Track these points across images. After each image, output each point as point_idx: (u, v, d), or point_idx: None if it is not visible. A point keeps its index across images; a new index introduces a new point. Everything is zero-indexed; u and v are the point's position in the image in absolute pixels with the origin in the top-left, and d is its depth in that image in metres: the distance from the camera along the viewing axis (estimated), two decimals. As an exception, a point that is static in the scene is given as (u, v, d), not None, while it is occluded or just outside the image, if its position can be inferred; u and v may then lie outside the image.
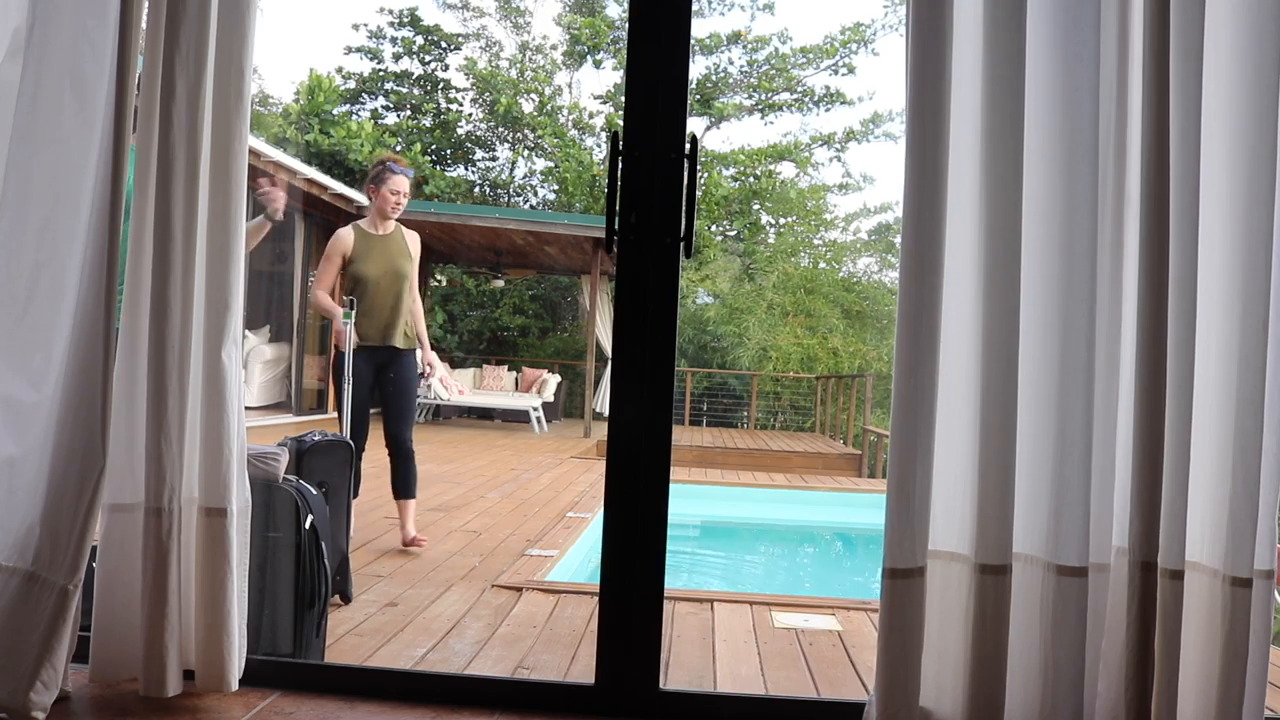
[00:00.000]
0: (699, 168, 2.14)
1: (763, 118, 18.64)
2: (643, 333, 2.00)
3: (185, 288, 1.86)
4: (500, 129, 18.13)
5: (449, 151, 17.87)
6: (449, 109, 18.15)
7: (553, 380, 12.72)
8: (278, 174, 9.30)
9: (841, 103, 18.27)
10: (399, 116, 18.04)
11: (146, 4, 1.88)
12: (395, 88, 18.14)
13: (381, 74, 18.06)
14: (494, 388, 12.57)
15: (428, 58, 18.27)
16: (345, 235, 4.13)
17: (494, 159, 18.41)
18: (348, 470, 3.18)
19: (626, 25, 2.04)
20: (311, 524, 2.44)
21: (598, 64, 18.28)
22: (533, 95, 18.01)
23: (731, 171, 17.48)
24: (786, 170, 18.10)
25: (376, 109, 18.14)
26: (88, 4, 1.88)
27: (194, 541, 1.90)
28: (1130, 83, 1.79)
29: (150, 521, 1.85)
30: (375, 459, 4.21)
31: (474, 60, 18.42)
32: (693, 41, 2.65)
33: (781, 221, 18.60)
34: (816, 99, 18.41)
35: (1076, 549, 1.76)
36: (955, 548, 1.83)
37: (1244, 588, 1.75)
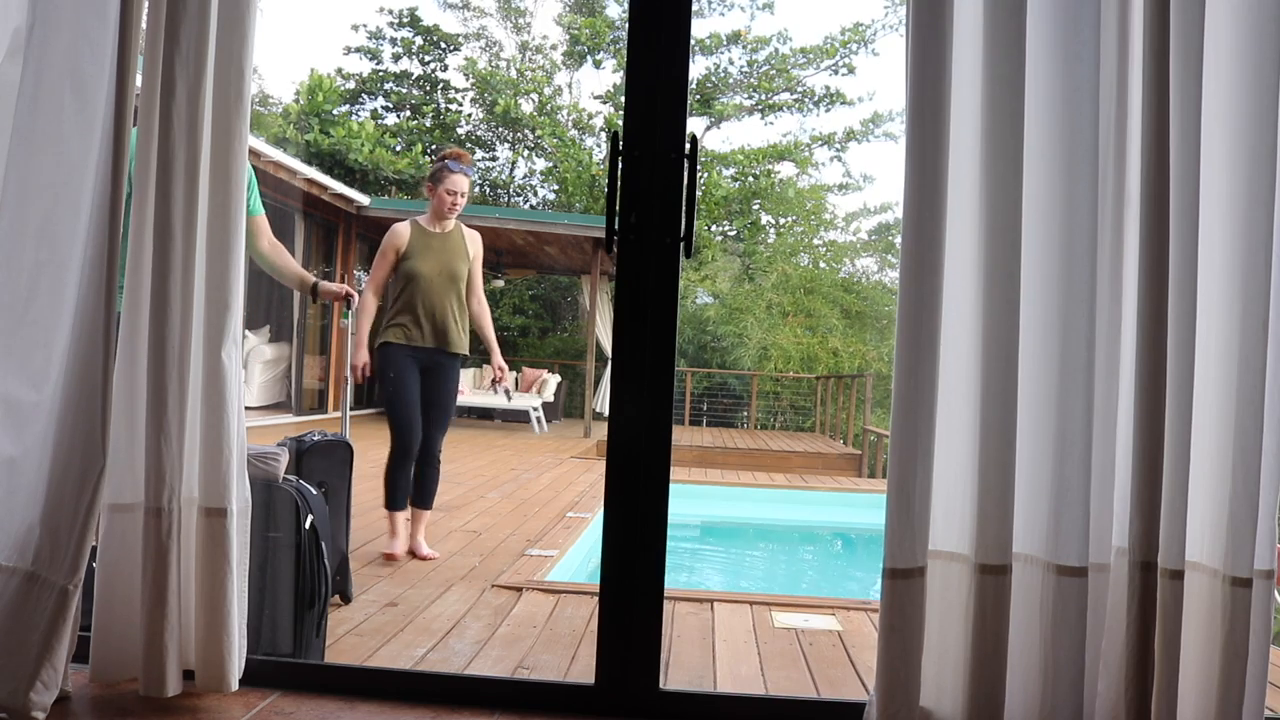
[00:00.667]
0: (699, 168, 2.13)
1: (763, 118, 18.65)
2: (643, 333, 2.00)
3: (185, 288, 1.86)
4: (500, 129, 18.13)
5: (449, 152, 17.85)
6: (449, 109, 18.16)
7: (553, 380, 12.72)
8: (277, 171, 9.30)
9: (841, 103, 18.27)
10: (399, 117, 18.04)
11: (146, 4, 1.88)
12: (395, 88, 18.14)
13: (381, 74, 18.06)
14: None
15: (427, 58, 18.27)
16: (400, 230, 3.97)
17: (494, 159, 18.42)
18: (348, 470, 3.18)
19: (626, 25, 2.04)
20: (311, 524, 2.44)
21: (598, 64, 18.29)
22: (532, 95, 18.01)
23: (731, 171, 17.49)
24: (786, 170, 18.11)
25: (376, 109, 18.16)
26: (88, 4, 1.88)
27: (194, 541, 1.90)
28: (1130, 83, 1.79)
29: (150, 521, 1.85)
30: (374, 459, 4.21)
31: (474, 60, 18.42)
32: (693, 41, 2.65)
33: (781, 221, 18.61)
34: (816, 99, 18.41)
35: (1076, 549, 1.76)
36: (955, 548, 1.83)
37: (1244, 588, 1.75)
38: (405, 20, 18.01)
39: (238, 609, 1.91)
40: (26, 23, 1.91)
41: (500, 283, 14.91)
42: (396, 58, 18.15)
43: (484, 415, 12.85)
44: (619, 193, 1.99)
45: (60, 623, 1.81)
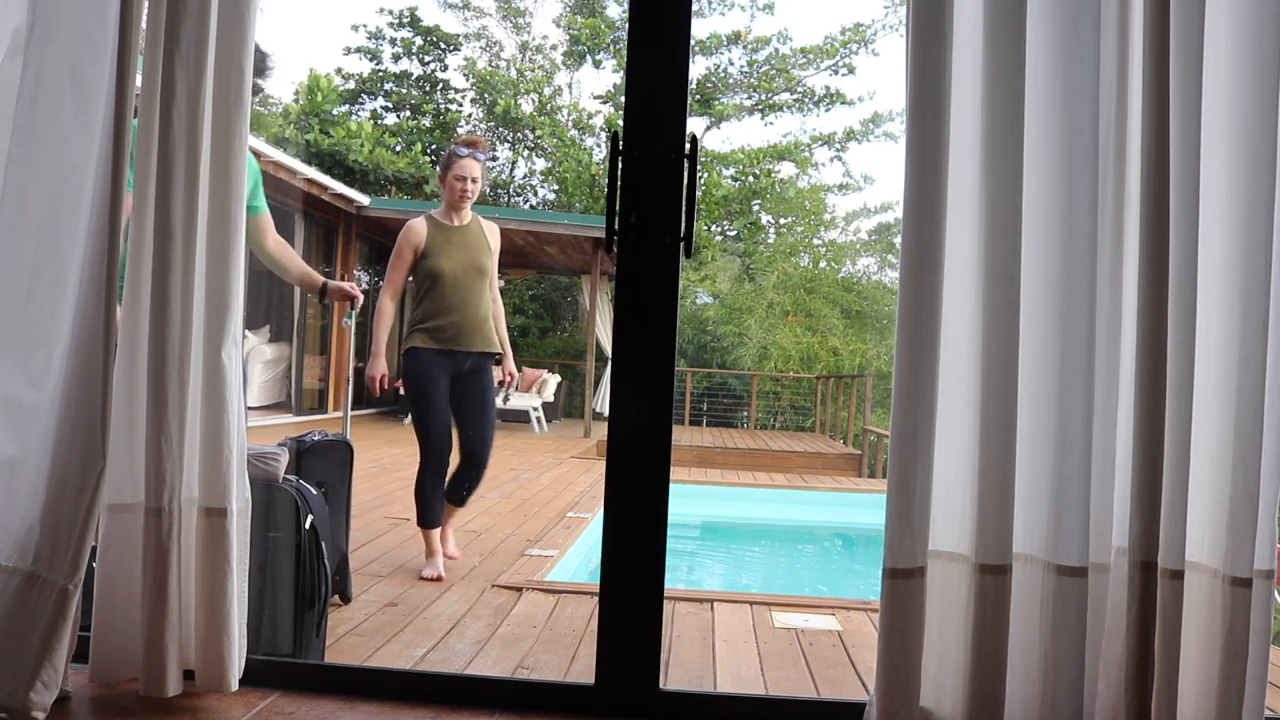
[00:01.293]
0: (699, 168, 2.13)
1: (763, 118, 18.65)
2: (643, 333, 2.00)
3: (185, 287, 1.86)
4: (500, 129, 18.12)
5: (449, 152, 17.85)
6: (449, 109, 18.15)
7: (553, 380, 12.71)
8: (279, 172, 9.30)
9: (841, 103, 18.27)
10: (399, 117, 18.04)
11: (146, 4, 1.87)
12: (395, 88, 18.14)
13: (381, 74, 18.06)
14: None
15: (427, 58, 18.26)
16: (417, 226, 3.71)
17: (494, 159, 18.40)
18: (348, 470, 3.18)
19: (626, 25, 2.04)
20: (311, 524, 2.44)
21: (598, 64, 18.29)
22: (532, 95, 18.01)
23: (731, 171, 17.48)
24: (786, 170, 18.11)
25: (376, 109, 18.15)
26: (88, 4, 1.88)
27: (194, 541, 1.90)
28: (1130, 83, 1.79)
29: (150, 521, 1.85)
30: (374, 459, 4.20)
31: (474, 60, 18.42)
32: (693, 42, 2.65)
33: (781, 221, 18.61)
34: (816, 99, 18.41)
35: (1076, 549, 1.76)
36: (955, 548, 1.83)
37: (1244, 588, 1.75)
38: (405, 20, 18.01)
39: (238, 609, 1.91)
40: (26, 23, 1.91)
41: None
42: (396, 58, 18.14)
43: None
44: (619, 193, 1.99)
45: (60, 623, 1.81)
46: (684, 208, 1.99)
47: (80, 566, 1.82)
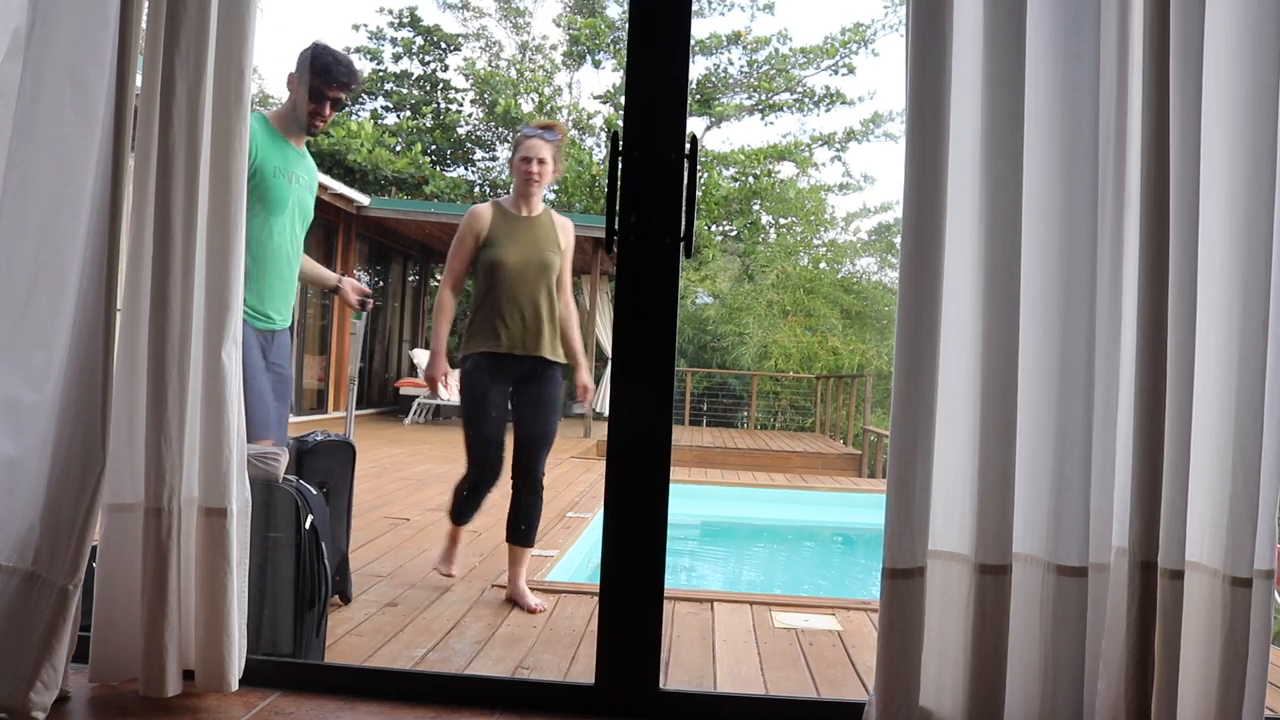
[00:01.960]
0: (699, 168, 2.13)
1: (763, 118, 18.65)
2: (643, 333, 2.00)
3: (185, 287, 1.86)
4: (500, 129, 18.12)
5: (449, 152, 17.86)
6: (449, 109, 18.15)
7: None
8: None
9: (841, 103, 18.27)
10: (399, 117, 18.04)
11: (146, 4, 1.88)
12: (395, 88, 18.14)
13: (381, 74, 18.06)
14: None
15: (427, 58, 18.27)
16: (481, 212, 3.38)
17: (494, 159, 18.41)
18: (349, 471, 3.18)
19: (626, 26, 2.04)
20: (311, 524, 2.44)
21: (597, 64, 18.28)
22: (533, 95, 18.01)
23: (731, 171, 17.48)
24: (786, 170, 18.12)
25: (376, 109, 18.15)
26: (88, 4, 1.88)
27: (194, 541, 1.90)
28: (1130, 83, 1.79)
29: (150, 521, 1.85)
30: (375, 459, 4.20)
31: (473, 60, 18.42)
32: (693, 42, 2.65)
33: (781, 221, 18.61)
34: (816, 99, 18.41)
35: (1076, 549, 1.76)
36: (955, 547, 1.83)
37: (1244, 588, 1.75)
38: (405, 20, 18.01)
39: (238, 609, 1.91)
40: (26, 23, 1.91)
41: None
42: (396, 58, 18.15)
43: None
44: (619, 192, 1.99)
45: (60, 623, 1.81)
46: (684, 208, 1.99)
47: (80, 566, 1.82)
